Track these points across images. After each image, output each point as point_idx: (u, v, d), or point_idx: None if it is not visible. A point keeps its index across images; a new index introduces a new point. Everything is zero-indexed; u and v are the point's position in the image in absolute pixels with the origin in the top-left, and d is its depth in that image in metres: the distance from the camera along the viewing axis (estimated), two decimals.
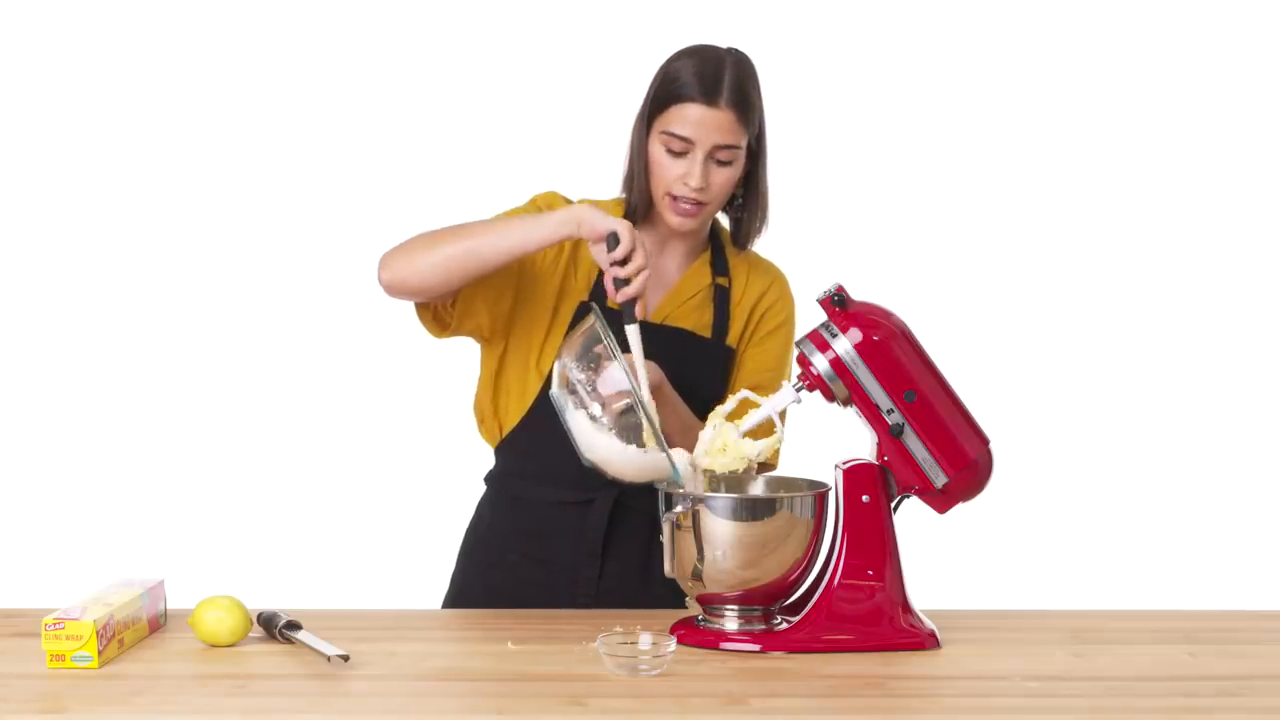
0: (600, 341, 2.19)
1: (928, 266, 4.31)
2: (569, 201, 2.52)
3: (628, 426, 2.20)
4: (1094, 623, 2.38)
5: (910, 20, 4.37)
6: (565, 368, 2.23)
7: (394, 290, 2.38)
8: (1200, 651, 2.21)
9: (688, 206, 2.41)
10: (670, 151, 2.39)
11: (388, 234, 4.01)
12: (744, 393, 2.28)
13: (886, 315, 2.23)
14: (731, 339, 2.55)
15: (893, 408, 2.20)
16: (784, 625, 2.22)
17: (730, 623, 2.22)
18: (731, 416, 2.28)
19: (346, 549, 4.22)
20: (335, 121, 4.33)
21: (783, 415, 2.27)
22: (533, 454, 2.53)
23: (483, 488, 2.65)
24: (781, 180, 4.27)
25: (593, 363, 2.22)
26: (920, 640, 2.20)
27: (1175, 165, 4.39)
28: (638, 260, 2.25)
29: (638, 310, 2.28)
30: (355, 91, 4.33)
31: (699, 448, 2.26)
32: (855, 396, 2.21)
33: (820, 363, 2.21)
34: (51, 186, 4.33)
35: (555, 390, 2.24)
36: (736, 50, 2.46)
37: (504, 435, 2.57)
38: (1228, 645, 2.25)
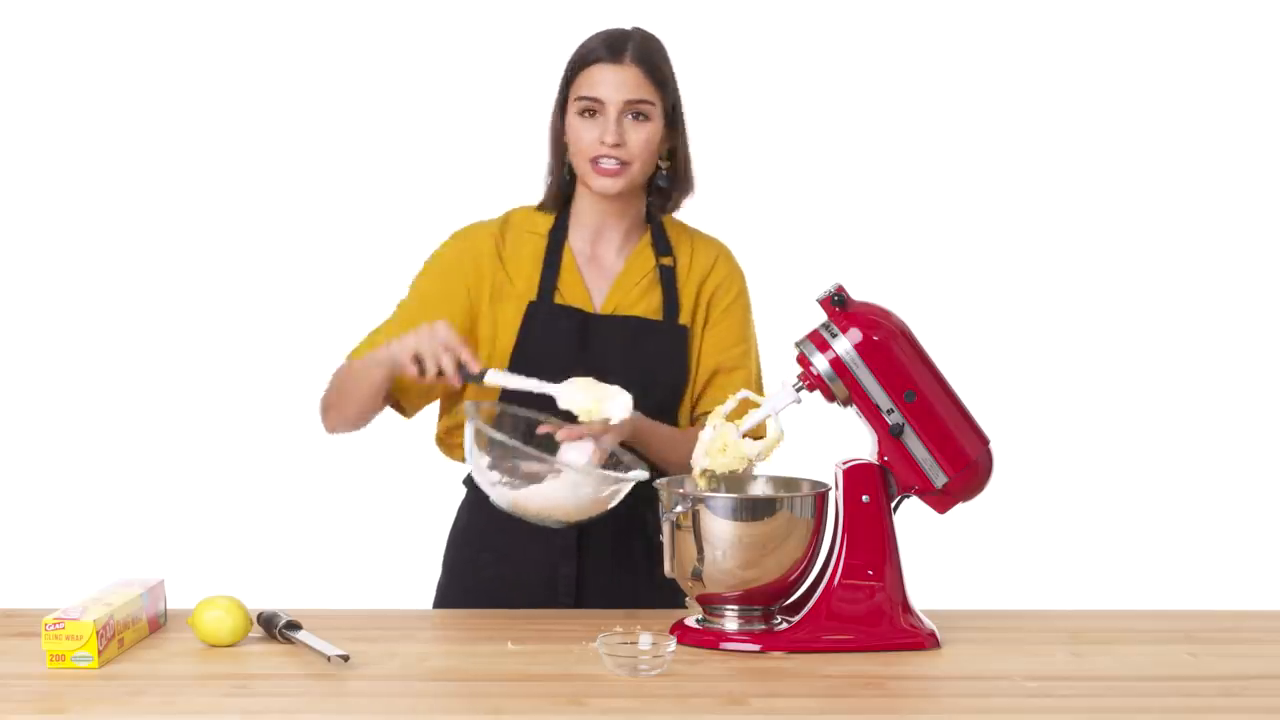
0: (492, 434, 2.25)
1: (928, 266, 4.31)
2: (490, 233, 2.55)
3: (556, 473, 2.24)
4: (1094, 623, 2.38)
5: (910, 21, 4.38)
6: (483, 473, 2.28)
7: (340, 434, 2.54)
8: (1200, 651, 2.21)
9: (609, 165, 2.45)
10: (585, 116, 2.45)
11: (386, 237, 4.01)
12: (744, 393, 2.28)
13: (886, 315, 2.23)
14: (684, 318, 2.56)
15: (893, 408, 2.20)
16: (784, 625, 2.22)
17: (730, 623, 2.22)
18: (731, 416, 2.28)
19: (346, 549, 4.22)
20: (333, 124, 4.34)
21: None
22: None
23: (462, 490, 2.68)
24: (782, 180, 4.28)
25: (499, 453, 2.26)
26: (920, 640, 2.20)
27: (1175, 165, 4.39)
28: (435, 355, 2.30)
29: (475, 369, 2.32)
30: (353, 94, 4.34)
31: (699, 448, 2.26)
32: (855, 396, 2.21)
33: (820, 363, 2.21)
34: (52, 188, 4.33)
35: (494, 500, 2.29)
36: (642, 29, 2.53)
37: None
38: (1228, 645, 2.25)
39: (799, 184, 4.38)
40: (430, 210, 3.83)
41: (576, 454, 2.33)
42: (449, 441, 2.63)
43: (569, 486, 2.24)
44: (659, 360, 2.52)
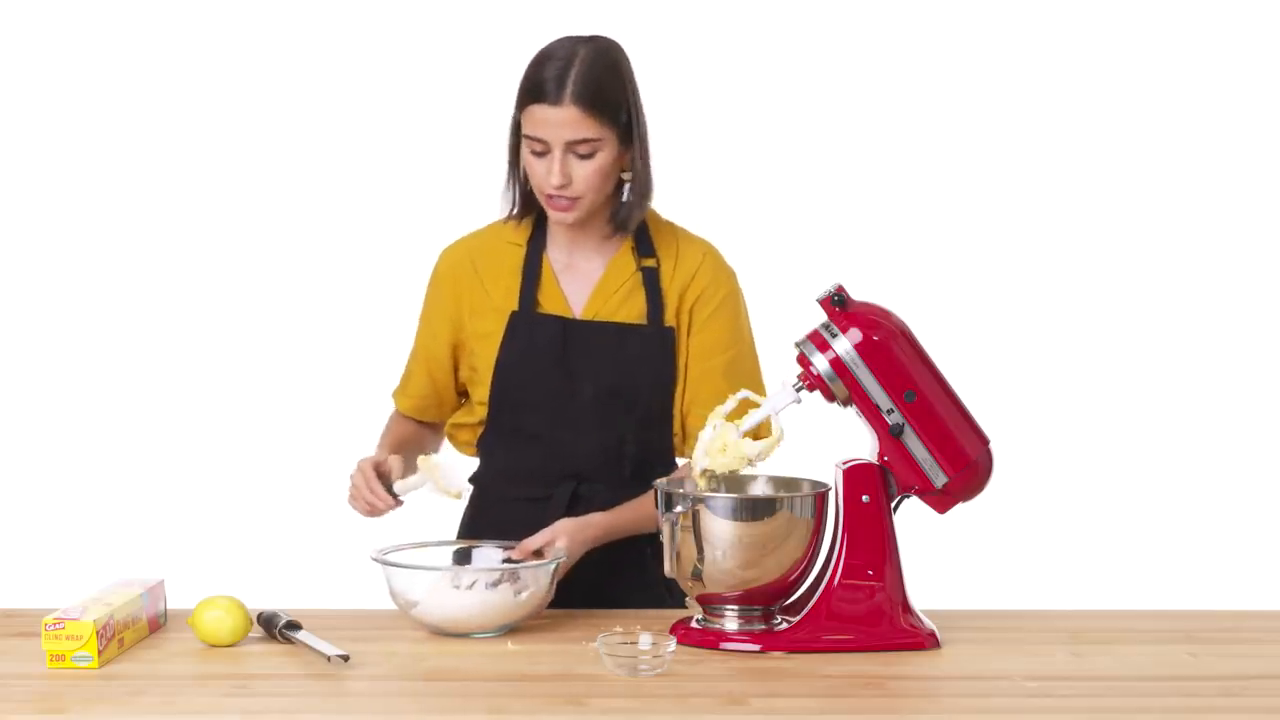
0: (386, 565, 2.28)
1: (928, 266, 4.31)
2: (469, 248, 2.59)
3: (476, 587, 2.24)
4: (1094, 623, 2.38)
5: (911, 20, 4.37)
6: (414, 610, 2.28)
7: None
8: (1200, 651, 2.21)
9: (561, 202, 2.44)
10: (534, 153, 2.44)
11: (386, 237, 4.00)
12: (744, 393, 2.28)
13: (886, 315, 2.24)
14: (669, 319, 2.54)
15: (893, 408, 2.20)
16: (784, 625, 2.22)
17: (730, 623, 2.22)
18: (731, 416, 2.28)
19: (346, 549, 4.21)
20: (332, 123, 4.33)
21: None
22: (497, 453, 2.59)
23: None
24: (781, 180, 4.27)
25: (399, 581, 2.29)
26: (920, 640, 2.20)
27: (1175, 165, 4.39)
28: (365, 509, 2.42)
29: (392, 503, 2.41)
30: (351, 92, 4.34)
31: (699, 448, 2.26)
32: (855, 396, 2.21)
33: (820, 363, 2.21)
34: (52, 189, 4.33)
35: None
36: (597, 40, 2.46)
37: (475, 439, 2.61)
38: (1228, 645, 2.25)
39: (798, 184, 4.38)
40: (426, 214, 3.83)
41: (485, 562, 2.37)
42: (458, 438, 2.65)
43: (447, 593, 2.23)
44: (644, 364, 2.51)
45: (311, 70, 4.33)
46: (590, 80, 2.40)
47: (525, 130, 2.43)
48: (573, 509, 2.50)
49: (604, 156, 2.43)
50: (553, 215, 2.47)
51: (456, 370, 2.61)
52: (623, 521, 2.47)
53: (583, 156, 2.41)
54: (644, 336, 2.52)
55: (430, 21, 4.32)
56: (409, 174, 4.30)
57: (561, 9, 4.05)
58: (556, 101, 2.38)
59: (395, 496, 2.40)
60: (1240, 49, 4.36)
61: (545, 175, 2.41)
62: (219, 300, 4.36)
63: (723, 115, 4.30)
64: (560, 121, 2.38)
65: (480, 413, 2.58)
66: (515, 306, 2.52)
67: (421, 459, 2.40)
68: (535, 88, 2.41)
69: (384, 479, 2.42)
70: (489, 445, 2.60)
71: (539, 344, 2.50)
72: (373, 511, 2.41)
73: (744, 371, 2.54)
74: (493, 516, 2.58)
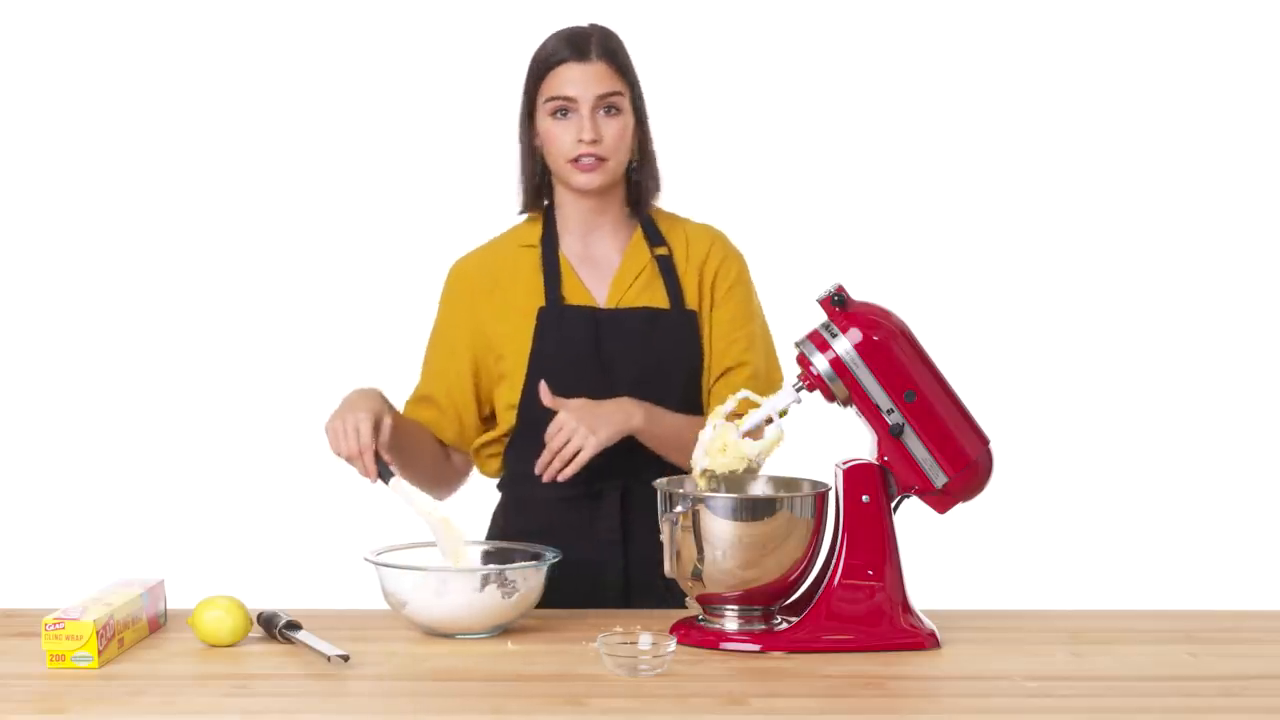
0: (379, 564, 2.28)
1: (928, 266, 4.31)
2: (479, 261, 2.60)
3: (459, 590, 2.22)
4: (1094, 623, 2.38)
5: (911, 19, 4.37)
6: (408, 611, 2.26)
7: (443, 494, 2.68)
8: (1200, 651, 2.21)
9: (589, 162, 2.47)
10: (558, 116, 2.47)
11: (386, 236, 4.01)
12: (744, 393, 2.29)
13: (886, 315, 2.24)
14: (690, 302, 2.57)
15: (893, 408, 2.20)
16: (784, 625, 2.22)
17: (730, 623, 2.22)
18: (731, 416, 2.28)
19: (346, 549, 4.21)
20: (331, 124, 4.33)
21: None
22: (530, 456, 2.55)
23: (498, 495, 2.68)
24: (782, 180, 4.27)
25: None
26: (920, 640, 2.20)
27: (1175, 165, 4.39)
28: (341, 441, 2.35)
29: (372, 479, 2.39)
30: (351, 93, 4.34)
31: (699, 448, 2.26)
32: (855, 396, 2.21)
33: (820, 363, 2.21)
34: (53, 189, 4.33)
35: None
36: (599, 25, 2.56)
37: (505, 444, 2.60)
38: (1228, 645, 2.25)
39: (799, 184, 4.38)
40: (427, 216, 3.84)
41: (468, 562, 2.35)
42: (484, 453, 2.63)
43: (435, 594, 2.21)
44: (673, 348, 2.53)
45: (314, 79, 4.33)
46: (609, 44, 2.51)
47: (549, 94, 2.47)
48: (628, 506, 2.51)
49: (627, 117, 2.50)
50: (578, 180, 2.49)
51: (478, 390, 2.58)
52: (664, 427, 2.46)
53: (609, 112, 2.47)
54: (671, 319, 2.54)
55: (437, 31, 4.32)
56: (412, 179, 4.30)
57: (565, 10, 4.06)
58: (583, 58, 2.46)
59: (383, 476, 2.37)
60: (1240, 49, 4.36)
61: (575, 133, 2.45)
62: (219, 301, 4.36)
63: (721, 115, 4.30)
64: (590, 76, 2.46)
65: (508, 421, 2.56)
66: (542, 303, 2.53)
67: (445, 521, 2.36)
68: (556, 54, 2.48)
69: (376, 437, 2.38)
70: (519, 448, 2.56)
71: (572, 335, 2.51)
72: (349, 458, 2.36)
73: (765, 346, 2.61)
74: (529, 522, 2.56)
